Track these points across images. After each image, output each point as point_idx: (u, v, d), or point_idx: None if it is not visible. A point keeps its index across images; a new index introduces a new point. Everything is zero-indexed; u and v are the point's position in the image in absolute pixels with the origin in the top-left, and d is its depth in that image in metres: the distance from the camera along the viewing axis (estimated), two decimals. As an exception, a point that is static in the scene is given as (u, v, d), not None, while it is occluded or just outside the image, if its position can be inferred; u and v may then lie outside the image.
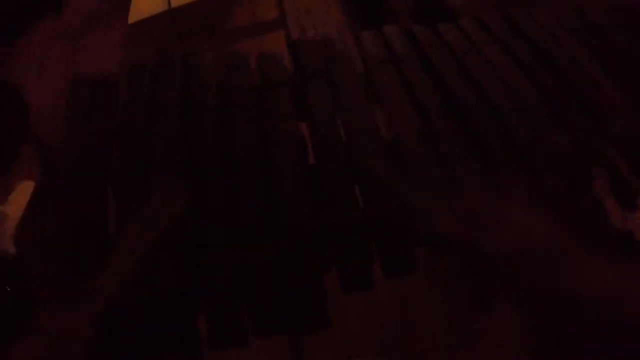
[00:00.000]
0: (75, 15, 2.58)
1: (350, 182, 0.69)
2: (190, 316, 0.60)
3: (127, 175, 0.72)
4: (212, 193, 0.68)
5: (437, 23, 0.92)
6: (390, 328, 1.38)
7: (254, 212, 0.66)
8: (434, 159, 0.70)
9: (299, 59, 0.85)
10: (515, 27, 0.89)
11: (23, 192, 1.64)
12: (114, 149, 0.76)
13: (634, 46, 0.83)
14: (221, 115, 0.77)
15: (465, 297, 1.37)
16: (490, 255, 0.47)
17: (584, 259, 0.44)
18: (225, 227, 0.65)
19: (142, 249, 0.58)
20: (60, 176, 0.73)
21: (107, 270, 0.57)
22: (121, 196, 0.70)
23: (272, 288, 0.61)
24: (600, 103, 0.76)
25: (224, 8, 2.34)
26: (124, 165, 0.73)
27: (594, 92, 0.78)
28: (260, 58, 0.85)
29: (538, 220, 0.48)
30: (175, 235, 0.62)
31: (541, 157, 0.71)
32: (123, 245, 0.59)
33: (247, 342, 0.58)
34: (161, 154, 0.73)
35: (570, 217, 0.68)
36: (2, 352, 0.50)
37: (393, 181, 0.61)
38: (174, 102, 0.79)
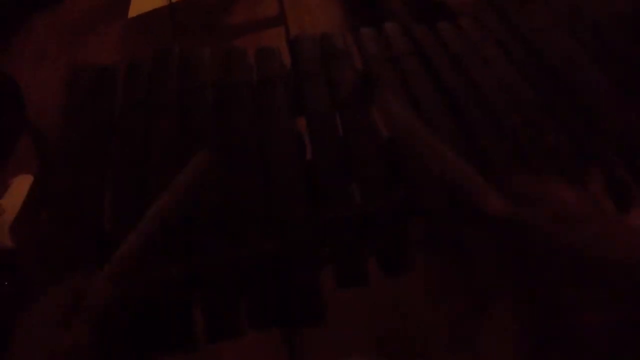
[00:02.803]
0: (74, 9, 2.58)
1: (347, 179, 0.69)
2: (186, 310, 0.60)
3: (125, 170, 0.72)
4: (209, 188, 0.68)
5: (435, 22, 0.93)
6: (388, 328, 1.39)
7: (251, 207, 0.67)
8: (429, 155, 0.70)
9: (298, 56, 0.85)
10: (513, 27, 0.90)
11: (20, 186, 1.64)
12: (112, 143, 0.76)
13: (631, 46, 0.84)
14: (218, 110, 0.77)
15: (464, 298, 1.37)
16: (538, 229, 0.48)
17: (615, 223, 0.46)
18: (222, 222, 0.65)
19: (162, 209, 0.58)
20: (58, 169, 0.73)
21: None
22: (118, 190, 0.70)
23: (269, 283, 0.61)
24: (597, 103, 0.76)
25: (223, 4, 2.34)
26: (122, 160, 0.74)
27: (591, 92, 0.78)
28: (258, 53, 0.85)
29: (570, 192, 0.50)
30: (172, 229, 0.62)
31: (537, 156, 0.71)
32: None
33: (244, 334, 0.59)
34: (159, 148, 0.73)
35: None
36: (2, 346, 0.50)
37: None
38: (171, 96, 0.79)
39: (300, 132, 0.76)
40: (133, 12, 1.95)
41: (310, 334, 1.30)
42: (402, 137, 0.65)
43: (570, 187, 0.50)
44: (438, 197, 0.66)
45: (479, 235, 0.53)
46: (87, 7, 2.59)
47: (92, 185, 0.71)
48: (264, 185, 0.69)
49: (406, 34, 0.89)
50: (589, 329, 0.42)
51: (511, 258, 0.50)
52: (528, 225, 0.48)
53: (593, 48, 0.85)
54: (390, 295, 1.39)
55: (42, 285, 0.62)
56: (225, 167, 0.68)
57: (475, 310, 1.30)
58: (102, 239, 0.66)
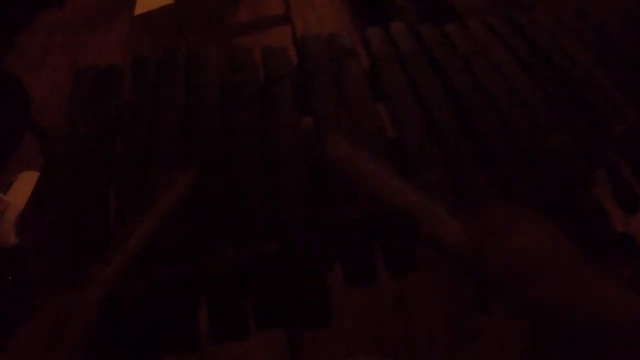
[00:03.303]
0: (79, 8, 2.58)
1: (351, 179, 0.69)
2: (190, 311, 0.60)
3: (129, 168, 0.72)
4: (214, 188, 0.68)
5: (442, 23, 0.92)
6: (389, 328, 1.38)
7: (256, 208, 0.66)
8: (438, 157, 0.70)
9: (304, 55, 0.85)
10: (519, 29, 0.90)
11: (25, 182, 1.64)
12: (117, 141, 0.76)
13: (635, 47, 0.84)
14: (224, 109, 0.77)
15: (465, 298, 1.37)
16: (493, 269, 0.48)
17: (584, 273, 0.45)
18: (227, 222, 0.65)
19: (146, 228, 0.58)
20: (62, 167, 0.73)
21: (110, 256, 0.56)
22: (123, 188, 0.70)
23: (274, 284, 0.61)
24: (602, 104, 0.76)
25: (229, 3, 2.34)
26: (126, 158, 0.73)
27: (596, 93, 0.78)
28: (264, 51, 0.85)
29: (541, 235, 0.49)
30: (177, 227, 0.62)
31: (543, 157, 0.71)
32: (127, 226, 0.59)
33: (248, 335, 0.59)
34: (163, 147, 0.73)
35: (571, 220, 0.68)
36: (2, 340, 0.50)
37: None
38: (177, 95, 0.79)
39: (306, 131, 0.76)
40: (139, 9, 1.96)
41: (312, 334, 1.30)
42: (352, 176, 0.65)
43: (542, 226, 0.50)
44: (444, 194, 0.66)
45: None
46: (91, 6, 2.59)
47: (96, 182, 0.70)
48: (269, 184, 0.68)
49: (413, 34, 0.89)
50: None
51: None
52: (482, 263, 0.49)
53: (599, 51, 0.85)
54: (392, 295, 1.39)
55: (46, 282, 0.62)
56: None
57: (475, 311, 1.30)
58: (106, 235, 0.66)
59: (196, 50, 0.86)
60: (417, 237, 0.65)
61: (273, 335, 1.28)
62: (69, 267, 0.62)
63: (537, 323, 0.46)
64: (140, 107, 0.79)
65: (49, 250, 0.65)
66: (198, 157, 0.71)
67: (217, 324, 0.59)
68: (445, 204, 0.54)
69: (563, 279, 0.45)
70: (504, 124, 0.75)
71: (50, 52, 2.31)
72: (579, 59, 0.84)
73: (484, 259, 0.49)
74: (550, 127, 0.74)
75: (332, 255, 0.64)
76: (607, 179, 0.74)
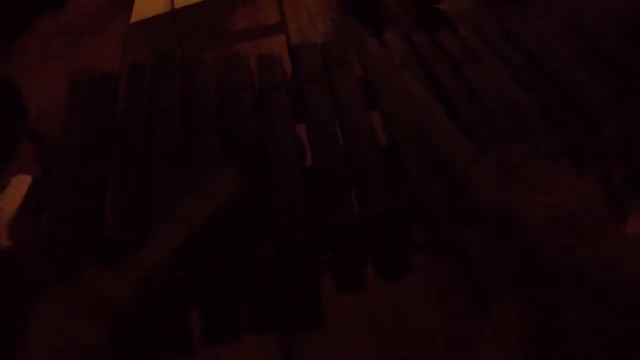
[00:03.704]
0: (76, 13, 2.59)
1: (347, 185, 0.70)
2: (185, 313, 0.60)
3: (126, 173, 0.73)
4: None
5: (435, 31, 0.94)
6: (387, 329, 1.38)
7: (251, 213, 0.67)
8: (430, 162, 0.71)
9: (298, 63, 0.86)
10: (512, 36, 0.91)
11: (18, 186, 1.64)
12: (113, 147, 0.77)
13: (627, 52, 0.85)
14: (220, 116, 0.78)
15: (463, 300, 1.37)
16: (533, 222, 0.46)
17: (626, 234, 0.45)
18: (223, 227, 0.66)
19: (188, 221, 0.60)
20: (59, 171, 0.74)
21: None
22: (119, 193, 0.71)
23: (268, 287, 0.62)
24: (594, 109, 0.77)
25: (225, 11, 2.35)
26: (123, 164, 0.74)
27: (588, 98, 0.79)
28: (259, 60, 0.86)
29: (585, 188, 0.48)
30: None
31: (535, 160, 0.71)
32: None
33: (238, 341, 0.59)
34: (160, 153, 0.74)
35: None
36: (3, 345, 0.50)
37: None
38: (173, 102, 0.80)
39: (301, 138, 0.76)
40: (135, 17, 1.96)
41: (309, 339, 1.30)
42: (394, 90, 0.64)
43: (577, 180, 0.49)
44: (437, 201, 0.67)
45: (477, 236, 0.52)
46: (90, 10, 2.59)
47: (92, 187, 0.71)
48: (265, 190, 0.69)
49: (406, 43, 0.90)
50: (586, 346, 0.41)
51: (508, 258, 0.49)
52: (520, 224, 0.46)
53: (591, 55, 0.86)
54: (390, 298, 1.39)
55: (41, 285, 0.62)
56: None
57: (475, 312, 1.30)
58: (103, 240, 0.66)
59: (192, 57, 0.87)
60: (412, 243, 0.66)
61: (270, 341, 1.29)
62: (65, 270, 0.63)
63: (544, 317, 0.45)
64: (137, 113, 0.79)
65: (44, 253, 0.66)
66: (195, 161, 0.72)
67: (210, 327, 0.59)
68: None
69: (613, 241, 0.44)
70: (495, 129, 0.76)
71: (47, 58, 2.31)
72: (571, 64, 0.85)
73: (514, 214, 0.47)
74: (543, 133, 0.75)
75: (326, 260, 0.64)
76: (599, 182, 0.75)
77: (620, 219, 0.76)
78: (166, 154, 0.74)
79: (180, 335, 0.59)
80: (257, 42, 2.16)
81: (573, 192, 0.47)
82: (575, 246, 0.43)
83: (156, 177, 0.71)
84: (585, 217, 0.45)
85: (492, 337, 1.29)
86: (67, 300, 0.50)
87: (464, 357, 1.31)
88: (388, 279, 0.64)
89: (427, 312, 1.40)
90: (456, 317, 1.36)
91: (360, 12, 2.12)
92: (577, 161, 0.72)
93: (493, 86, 0.81)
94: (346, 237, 0.65)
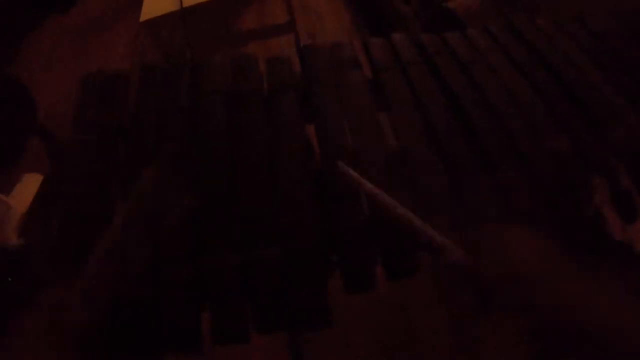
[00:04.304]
0: (85, 13, 2.60)
1: (355, 186, 0.70)
2: (194, 315, 0.61)
3: (135, 172, 0.73)
4: (219, 194, 0.69)
5: (444, 32, 0.94)
6: (391, 331, 1.39)
7: (260, 214, 0.67)
8: (438, 163, 0.71)
9: (307, 64, 0.86)
10: (518, 35, 0.91)
11: (28, 184, 1.65)
12: (123, 147, 0.77)
13: (635, 51, 0.84)
14: (229, 118, 0.78)
15: (466, 302, 1.37)
16: (490, 280, 0.50)
17: (582, 284, 0.46)
18: (231, 228, 0.66)
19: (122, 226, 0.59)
20: (68, 169, 0.74)
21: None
22: (127, 194, 0.71)
23: (277, 288, 0.62)
24: (601, 109, 0.77)
25: (233, 10, 2.35)
26: (131, 164, 0.75)
27: (595, 98, 0.79)
28: (268, 61, 0.86)
29: (537, 246, 0.50)
30: (181, 234, 0.64)
31: (542, 161, 0.72)
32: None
33: (247, 341, 0.59)
34: (168, 154, 0.74)
35: (569, 227, 0.69)
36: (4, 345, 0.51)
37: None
38: (182, 103, 0.80)
39: (310, 139, 0.77)
40: (144, 16, 1.96)
41: (316, 338, 1.30)
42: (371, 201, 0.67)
43: (530, 238, 0.51)
44: (444, 202, 0.67)
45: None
46: (98, 11, 2.61)
47: (102, 187, 0.72)
48: (274, 191, 0.70)
49: (414, 44, 0.90)
50: None
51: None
52: (480, 274, 0.50)
53: (598, 56, 0.85)
54: (393, 299, 1.40)
55: (50, 282, 0.63)
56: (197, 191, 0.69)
57: (478, 312, 1.31)
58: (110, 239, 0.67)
59: (201, 58, 0.87)
60: (417, 243, 0.66)
61: (278, 341, 1.29)
62: (75, 269, 0.63)
63: (538, 324, 0.47)
64: (146, 114, 0.80)
65: (54, 252, 0.66)
66: (203, 164, 0.72)
67: (219, 328, 0.60)
68: (445, 217, 0.55)
69: (565, 287, 0.46)
70: (503, 129, 0.76)
71: (56, 57, 2.33)
72: (579, 63, 0.85)
73: (485, 271, 0.50)
74: (550, 132, 0.75)
75: (333, 261, 0.65)
76: (606, 186, 0.75)
77: (629, 219, 0.76)
78: (175, 155, 0.74)
79: (191, 335, 0.60)
80: (265, 42, 2.17)
81: (532, 251, 0.50)
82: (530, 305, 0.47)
83: (164, 178, 0.72)
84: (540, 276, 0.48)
85: (494, 338, 1.29)
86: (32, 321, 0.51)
87: (468, 356, 1.31)
88: (396, 279, 0.64)
89: (430, 312, 1.40)
90: (458, 319, 1.37)
91: (368, 12, 2.12)
92: (585, 161, 0.72)
93: (500, 86, 0.81)
94: (355, 238, 0.65)
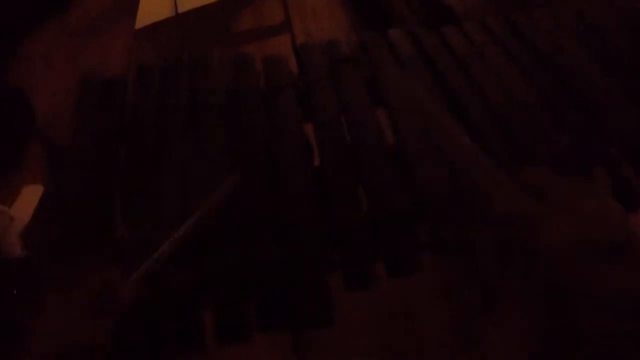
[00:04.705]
0: (82, 17, 2.60)
1: (354, 184, 0.70)
2: (195, 313, 0.61)
3: (135, 176, 0.73)
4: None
5: (441, 26, 0.93)
6: (392, 330, 1.39)
7: (260, 212, 0.67)
8: (436, 159, 0.71)
9: (304, 62, 0.86)
10: (516, 30, 0.90)
11: (29, 195, 1.66)
12: (122, 150, 0.77)
13: (634, 47, 0.84)
14: (227, 117, 0.78)
15: (468, 301, 1.37)
16: (552, 244, 0.44)
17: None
18: (232, 227, 0.66)
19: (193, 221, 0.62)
20: (68, 177, 0.74)
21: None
22: (128, 197, 0.71)
23: (278, 286, 0.62)
24: (600, 102, 0.77)
25: (230, 12, 2.36)
26: (131, 167, 0.75)
27: (594, 91, 0.78)
28: (265, 60, 0.86)
29: (611, 212, 0.45)
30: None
31: (542, 156, 0.71)
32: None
33: (250, 339, 0.59)
34: (168, 155, 0.74)
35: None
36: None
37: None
38: (181, 103, 0.80)
39: (308, 137, 0.77)
40: (140, 23, 1.96)
41: (318, 338, 1.30)
42: (415, 115, 0.65)
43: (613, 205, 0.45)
44: (444, 199, 0.67)
45: (484, 236, 0.51)
46: (95, 15, 2.61)
47: (102, 191, 0.72)
48: (273, 190, 0.70)
49: (411, 40, 0.90)
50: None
51: (517, 259, 0.48)
52: (538, 225, 0.44)
53: (596, 50, 0.85)
54: (396, 299, 1.40)
55: (54, 292, 0.63)
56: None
57: (481, 311, 1.30)
58: (113, 244, 0.67)
59: (199, 58, 0.87)
60: (419, 241, 0.66)
61: (280, 339, 1.29)
62: (78, 276, 0.63)
63: (544, 316, 0.45)
64: (145, 115, 0.80)
65: (57, 260, 0.66)
66: (204, 163, 0.72)
67: (221, 327, 0.60)
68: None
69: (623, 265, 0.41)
70: (501, 123, 0.75)
71: (53, 61, 2.33)
72: (578, 58, 0.84)
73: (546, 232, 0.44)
74: (549, 127, 0.75)
75: (335, 259, 0.64)
76: (606, 177, 0.75)
77: (631, 208, 0.76)
78: (174, 155, 0.74)
79: (193, 335, 0.60)
80: (262, 43, 2.17)
81: (598, 214, 0.45)
82: (610, 275, 0.41)
83: (165, 179, 0.72)
84: (616, 242, 0.42)
85: (498, 336, 1.29)
86: (73, 300, 0.51)
87: (470, 356, 1.30)
88: (397, 277, 0.64)
89: (433, 310, 1.40)
90: (462, 320, 1.36)
91: (366, 11, 2.12)
92: (584, 157, 0.72)
93: (498, 82, 0.81)
94: (355, 236, 0.65)
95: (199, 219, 0.62)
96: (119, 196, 0.72)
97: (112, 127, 0.79)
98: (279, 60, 0.86)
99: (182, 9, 1.91)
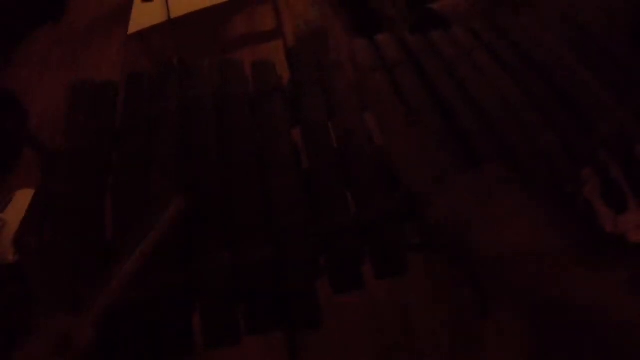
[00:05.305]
0: (76, 22, 2.61)
1: (341, 186, 0.71)
2: (185, 316, 0.61)
3: (126, 181, 0.74)
4: (209, 196, 0.69)
5: (430, 30, 0.94)
6: (389, 332, 1.39)
7: (249, 216, 0.68)
8: (424, 161, 0.72)
9: (294, 66, 0.87)
10: (503, 33, 0.91)
11: (22, 200, 1.65)
12: (113, 155, 0.77)
13: (622, 48, 0.85)
14: (217, 121, 0.79)
15: (465, 302, 1.37)
16: (480, 258, 0.48)
17: (570, 263, 0.45)
18: (221, 230, 0.67)
19: (141, 252, 0.61)
20: (59, 179, 0.75)
21: (106, 275, 0.58)
22: (120, 201, 0.72)
23: (267, 288, 0.63)
24: (589, 104, 0.77)
25: (222, 18, 2.36)
26: (123, 171, 0.75)
27: (583, 94, 0.79)
28: (253, 65, 0.87)
29: (526, 223, 0.49)
30: (173, 237, 0.64)
31: (530, 157, 0.72)
32: (123, 249, 0.61)
33: (240, 341, 0.60)
34: (159, 159, 0.75)
35: (560, 220, 0.69)
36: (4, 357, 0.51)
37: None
38: (172, 108, 0.81)
39: (296, 141, 0.77)
40: (132, 28, 1.97)
41: (314, 340, 1.30)
42: None
43: (528, 214, 0.50)
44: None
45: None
46: (89, 20, 2.61)
47: (93, 194, 0.72)
48: (262, 193, 0.70)
49: (399, 44, 0.90)
50: None
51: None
52: (469, 253, 0.49)
53: (584, 52, 0.86)
54: (392, 299, 1.40)
55: (47, 298, 0.63)
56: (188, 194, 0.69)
57: (476, 312, 1.31)
58: (104, 247, 0.67)
59: (189, 64, 0.87)
60: (408, 242, 0.67)
61: (274, 343, 1.29)
62: (69, 282, 0.64)
63: (535, 314, 0.46)
64: (136, 120, 0.80)
65: (48, 266, 0.66)
66: (193, 167, 0.73)
67: (210, 329, 0.60)
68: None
69: (552, 269, 0.45)
70: (489, 125, 0.76)
71: (47, 67, 2.33)
72: (564, 59, 0.85)
73: (471, 251, 0.48)
74: (536, 128, 0.75)
75: (322, 261, 0.65)
76: (595, 178, 0.75)
77: (619, 211, 0.76)
78: (166, 161, 0.74)
79: (183, 338, 0.60)
80: (254, 48, 2.18)
81: (535, 227, 0.48)
82: (537, 287, 0.44)
83: (156, 184, 0.72)
84: (546, 256, 0.46)
85: (494, 337, 1.29)
86: (37, 344, 0.51)
87: (466, 357, 1.31)
88: (385, 277, 0.65)
89: (429, 312, 1.40)
90: (458, 318, 1.37)
91: (357, 15, 2.12)
92: (572, 157, 0.72)
93: (485, 84, 0.82)
94: (343, 238, 0.66)
95: (144, 250, 0.61)
96: (110, 199, 0.72)
97: (103, 131, 0.79)
98: (267, 65, 0.87)
99: (174, 14, 1.92)
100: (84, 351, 0.52)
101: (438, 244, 0.54)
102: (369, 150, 0.74)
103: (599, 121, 0.75)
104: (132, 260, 0.60)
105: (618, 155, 0.74)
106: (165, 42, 1.93)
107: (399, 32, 0.95)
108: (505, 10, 0.98)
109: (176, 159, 0.75)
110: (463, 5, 1.44)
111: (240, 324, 0.60)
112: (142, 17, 1.98)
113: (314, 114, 0.79)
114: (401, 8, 1.73)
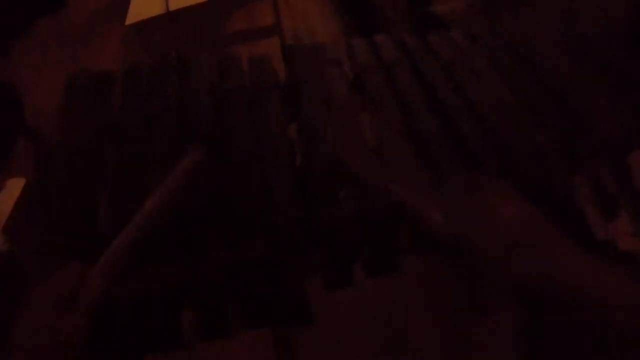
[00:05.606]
0: (75, 15, 2.60)
1: (335, 183, 0.71)
2: (177, 310, 0.61)
3: (121, 172, 0.74)
4: (204, 191, 0.69)
5: (429, 32, 0.94)
6: (385, 332, 1.39)
7: (244, 212, 0.68)
8: (419, 160, 0.72)
9: (291, 64, 0.87)
10: (502, 38, 0.91)
11: (13, 189, 1.64)
12: (109, 147, 0.77)
13: (618, 51, 0.85)
14: (214, 116, 0.79)
15: (461, 302, 1.38)
16: (479, 251, 0.48)
17: (568, 250, 0.45)
18: (215, 226, 0.66)
19: (154, 201, 0.61)
20: (54, 171, 0.74)
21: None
22: (114, 192, 0.72)
23: (259, 284, 0.63)
24: (584, 109, 0.78)
25: (221, 14, 2.36)
26: (118, 164, 0.75)
27: (578, 98, 0.79)
28: (250, 61, 0.87)
29: (521, 212, 0.49)
30: (166, 231, 0.64)
31: (524, 158, 0.73)
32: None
33: (229, 336, 0.60)
34: (155, 151, 0.75)
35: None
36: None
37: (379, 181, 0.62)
38: (168, 102, 0.81)
39: (292, 138, 0.77)
40: (130, 19, 1.96)
41: (309, 339, 1.30)
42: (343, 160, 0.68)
43: (523, 205, 0.50)
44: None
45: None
46: (88, 13, 2.60)
47: (87, 188, 0.72)
48: (257, 189, 0.70)
49: (397, 45, 0.91)
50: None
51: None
52: (469, 246, 0.49)
53: (582, 55, 0.86)
54: (386, 299, 1.40)
55: (38, 285, 0.63)
56: (218, 162, 0.69)
57: (474, 311, 1.31)
58: (97, 238, 0.67)
59: (187, 58, 0.87)
60: (401, 242, 0.67)
61: (269, 339, 1.29)
62: (61, 269, 0.63)
63: (532, 311, 0.46)
64: (133, 114, 0.80)
65: (41, 252, 0.66)
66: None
67: (202, 324, 0.60)
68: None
69: (547, 253, 0.45)
70: (485, 128, 0.76)
71: (46, 60, 2.32)
72: (562, 63, 0.85)
73: (469, 243, 0.49)
74: (532, 132, 0.76)
75: (314, 259, 0.65)
76: (587, 185, 0.75)
77: (610, 216, 0.77)
78: (161, 155, 0.74)
79: (172, 334, 0.60)
80: (252, 44, 2.17)
81: (511, 217, 0.49)
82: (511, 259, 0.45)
83: (151, 178, 0.72)
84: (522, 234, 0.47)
85: (488, 337, 1.29)
86: (50, 296, 0.51)
87: (459, 357, 1.31)
88: (377, 276, 0.65)
89: (423, 312, 1.40)
90: (454, 318, 1.37)
91: (356, 16, 2.13)
92: (568, 160, 0.73)
93: (483, 86, 0.82)
94: (335, 235, 0.66)
95: (160, 200, 0.62)
96: (104, 192, 0.72)
97: (99, 125, 0.79)
98: (265, 60, 0.87)
99: (173, 6, 1.91)
100: (94, 303, 0.52)
101: (431, 244, 0.54)
102: (362, 147, 0.74)
103: (595, 125, 0.76)
104: (145, 213, 0.60)
105: (610, 160, 0.75)
106: (164, 38, 1.93)
107: (399, 30, 0.95)
108: (503, 13, 0.98)
109: (172, 152, 0.74)
110: (461, 8, 1.45)
111: (233, 318, 0.60)
112: (140, 9, 1.97)
113: (310, 111, 0.79)
114: (402, 9, 1.73)
